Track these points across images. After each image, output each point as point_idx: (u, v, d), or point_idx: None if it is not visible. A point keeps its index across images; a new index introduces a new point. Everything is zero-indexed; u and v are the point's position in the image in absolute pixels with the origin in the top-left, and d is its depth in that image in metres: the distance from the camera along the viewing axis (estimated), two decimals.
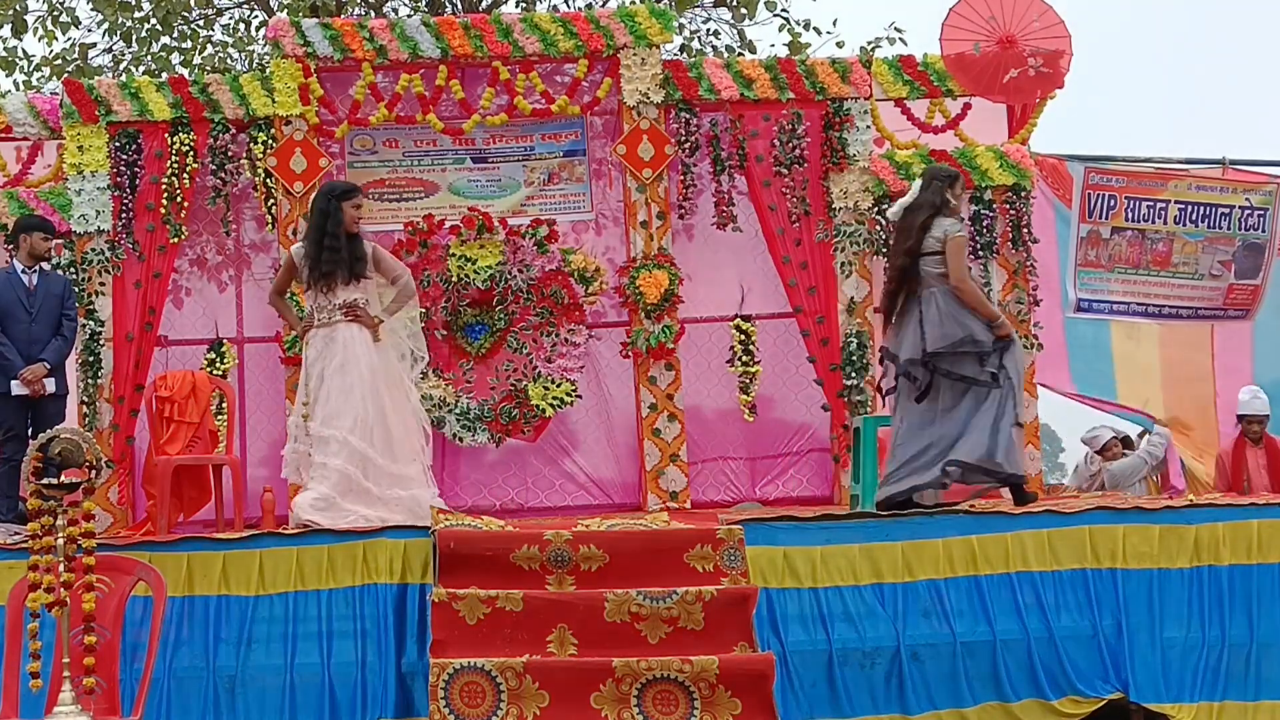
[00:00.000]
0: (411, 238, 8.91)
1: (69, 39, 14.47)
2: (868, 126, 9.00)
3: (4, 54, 14.14)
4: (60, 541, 4.50)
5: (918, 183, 7.07)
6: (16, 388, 7.17)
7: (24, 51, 14.20)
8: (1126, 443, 10.36)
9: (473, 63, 8.96)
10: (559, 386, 8.82)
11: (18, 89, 13.87)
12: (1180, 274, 9.41)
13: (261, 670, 5.72)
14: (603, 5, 13.68)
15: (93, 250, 8.53)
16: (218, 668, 5.69)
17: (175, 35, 14.30)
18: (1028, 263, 8.97)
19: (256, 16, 15.26)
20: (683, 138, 8.89)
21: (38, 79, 14.18)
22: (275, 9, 14.35)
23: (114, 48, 14.51)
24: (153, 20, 14.13)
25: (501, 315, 8.89)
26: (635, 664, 5.34)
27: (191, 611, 5.74)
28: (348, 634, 5.77)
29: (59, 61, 14.15)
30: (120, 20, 14.02)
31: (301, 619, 5.78)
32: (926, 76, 9.07)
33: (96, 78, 11.61)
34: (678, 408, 8.80)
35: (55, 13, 14.23)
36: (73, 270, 8.45)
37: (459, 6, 14.78)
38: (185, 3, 14.24)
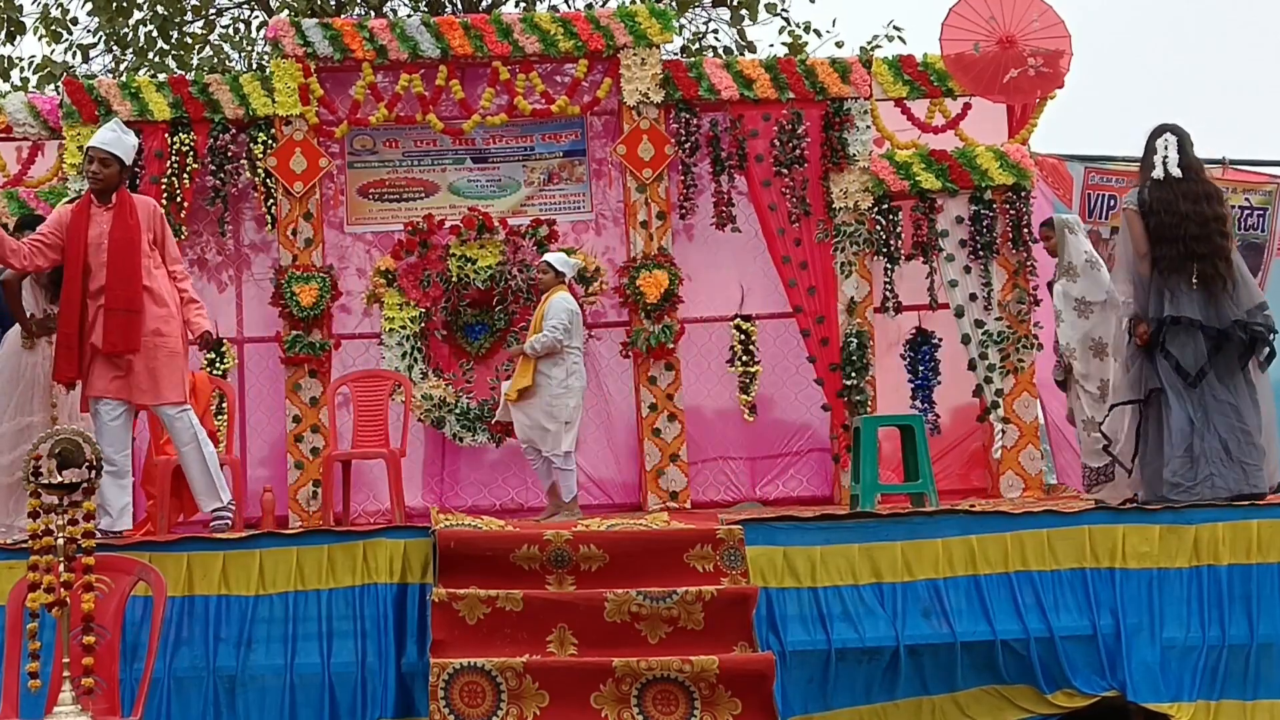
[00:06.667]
0: (411, 238, 8.92)
1: (66, 44, 14.44)
2: (868, 126, 9.00)
3: None
4: (60, 541, 4.49)
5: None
6: None
7: (11, 60, 14.11)
8: None
9: (473, 63, 8.96)
10: None
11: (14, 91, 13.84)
12: None
13: (261, 670, 5.70)
14: (603, 5, 13.66)
15: None
16: (218, 668, 5.68)
17: (173, 42, 14.27)
18: (1028, 263, 8.97)
19: (257, 16, 15.25)
20: (683, 138, 8.89)
21: (36, 80, 14.15)
22: (275, 9, 14.33)
23: (112, 49, 14.47)
24: (149, 26, 14.10)
25: (501, 315, 8.89)
26: (635, 664, 5.34)
27: (191, 611, 5.72)
28: (348, 634, 5.75)
29: (53, 67, 14.10)
30: (117, 29, 13.99)
31: (301, 619, 5.76)
32: (926, 76, 9.07)
33: (97, 78, 11.61)
34: (678, 408, 8.80)
35: (49, 19, 14.18)
36: None
37: (459, 6, 14.77)
38: (182, 9, 14.21)
